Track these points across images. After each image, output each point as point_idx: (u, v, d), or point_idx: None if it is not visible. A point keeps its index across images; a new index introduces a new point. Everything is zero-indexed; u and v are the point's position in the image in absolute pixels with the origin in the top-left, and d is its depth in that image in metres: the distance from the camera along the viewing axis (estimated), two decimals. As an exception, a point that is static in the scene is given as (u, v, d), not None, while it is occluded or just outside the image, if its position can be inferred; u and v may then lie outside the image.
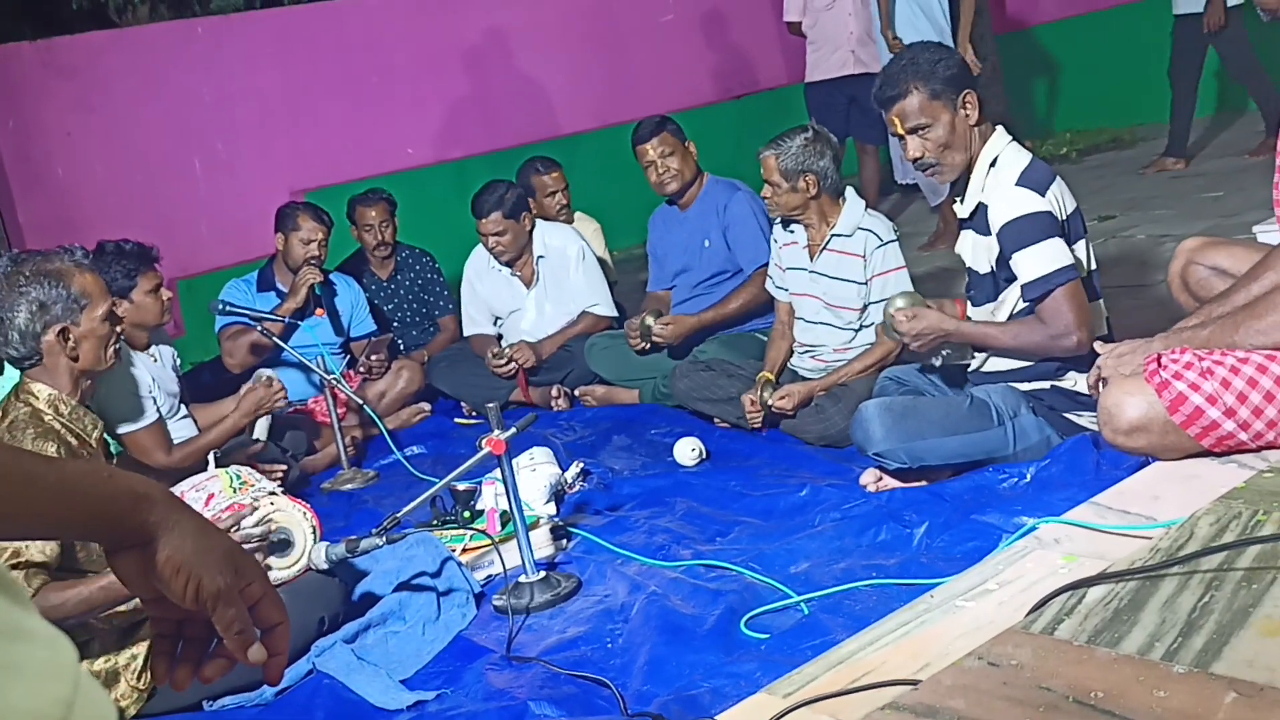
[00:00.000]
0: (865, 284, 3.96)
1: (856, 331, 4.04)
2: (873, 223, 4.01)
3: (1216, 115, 8.56)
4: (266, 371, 4.30)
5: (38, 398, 2.96)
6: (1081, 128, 9.46)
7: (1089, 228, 3.31)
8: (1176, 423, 2.46)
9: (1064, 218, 3.14)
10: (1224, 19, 7.02)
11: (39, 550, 2.63)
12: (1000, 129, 3.25)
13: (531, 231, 5.13)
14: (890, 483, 3.35)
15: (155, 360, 4.11)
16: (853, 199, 4.06)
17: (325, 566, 2.99)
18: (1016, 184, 3.12)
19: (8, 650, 0.54)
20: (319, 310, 4.99)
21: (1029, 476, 3.11)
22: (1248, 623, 1.47)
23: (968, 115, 3.17)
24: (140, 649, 2.79)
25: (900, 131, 3.22)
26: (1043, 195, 3.10)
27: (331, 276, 5.34)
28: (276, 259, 5.24)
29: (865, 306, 3.98)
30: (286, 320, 4.85)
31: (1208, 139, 7.99)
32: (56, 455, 2.75)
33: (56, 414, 2.94)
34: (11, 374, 3.26)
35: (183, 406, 4.23)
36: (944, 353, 3.37)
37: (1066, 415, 3.24)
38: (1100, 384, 2.74)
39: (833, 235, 4.01)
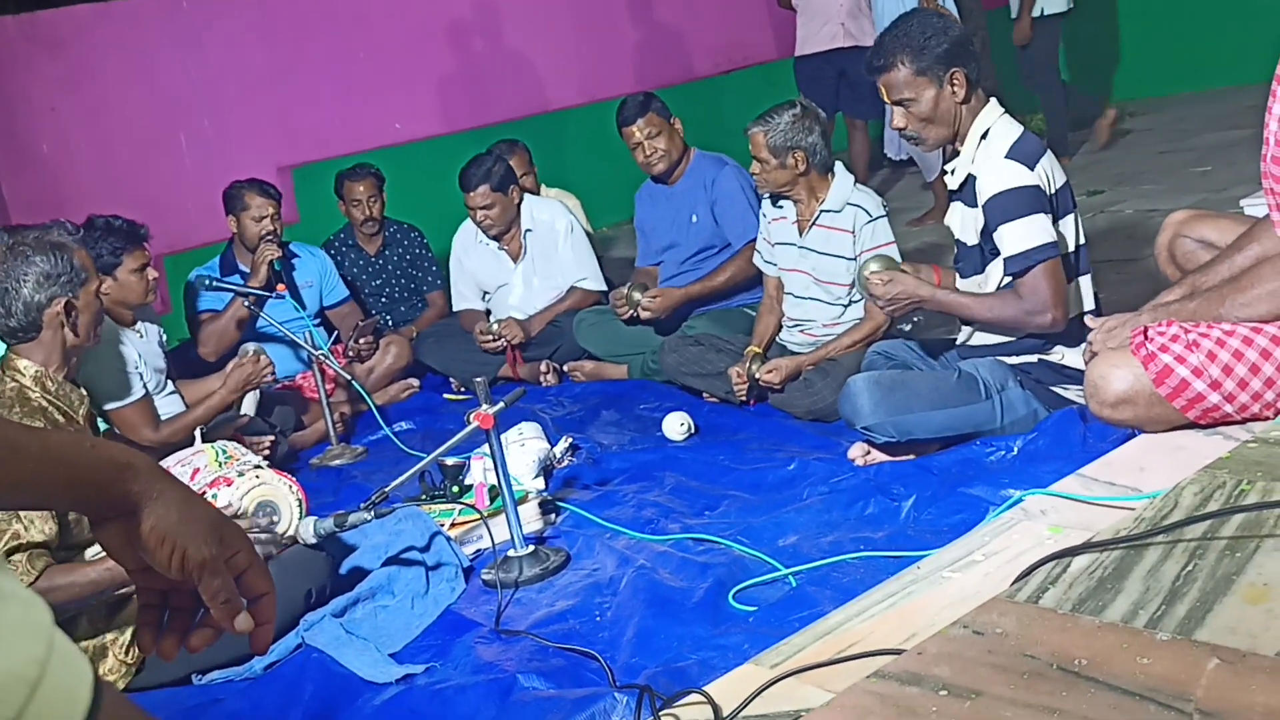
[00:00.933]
0: (854, 259, 3.96)
1: (846, 307, 4.04)
2: (862, 198, 4.01)
3: (1205, 91, 8.56)
4: (253, 346, 4.29)
5: (24, 374, 2.95)
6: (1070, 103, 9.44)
7: (1077, 202, 3.32)
8: (1162, 395, 2.47)
9: (1052, 192, 3.15)
10: (1030, 32, 7.21)
11: (39, 530, 2.63)
12: (993, 101, 3.25)
13: (519, 205, 5.12)
14: (878, 456, 3.36)
15: (141, 336, 4.10)
16: (842, 174, 4.05)
17: (313, 541, 2.99)
18: (1006, 156, 3.12)
19: None
20: (280, 286, 4.95)
21: (1016, 449, 3.13)
22: (1231, 590, 1.48)
23: (954, 93, 3.17)
24: (127, 625, 2.79)
25: (887, 100, 3.25)
26: (1032, 169, 3.10)
27: (293, 248, 5.32)
28: (235, 241, 5.21)
29: (854, 282, 3.98)
30: (272, 294, 4.83)
31: (1196, 114, 7.99)
32: None
33: (44, 391, 2.93)
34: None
35: (169, 383, 4.21)
36: (915, 319, 3.39)
37: (1053, 389, 3.25)
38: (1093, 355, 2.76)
39: (822, 211, 4.01)
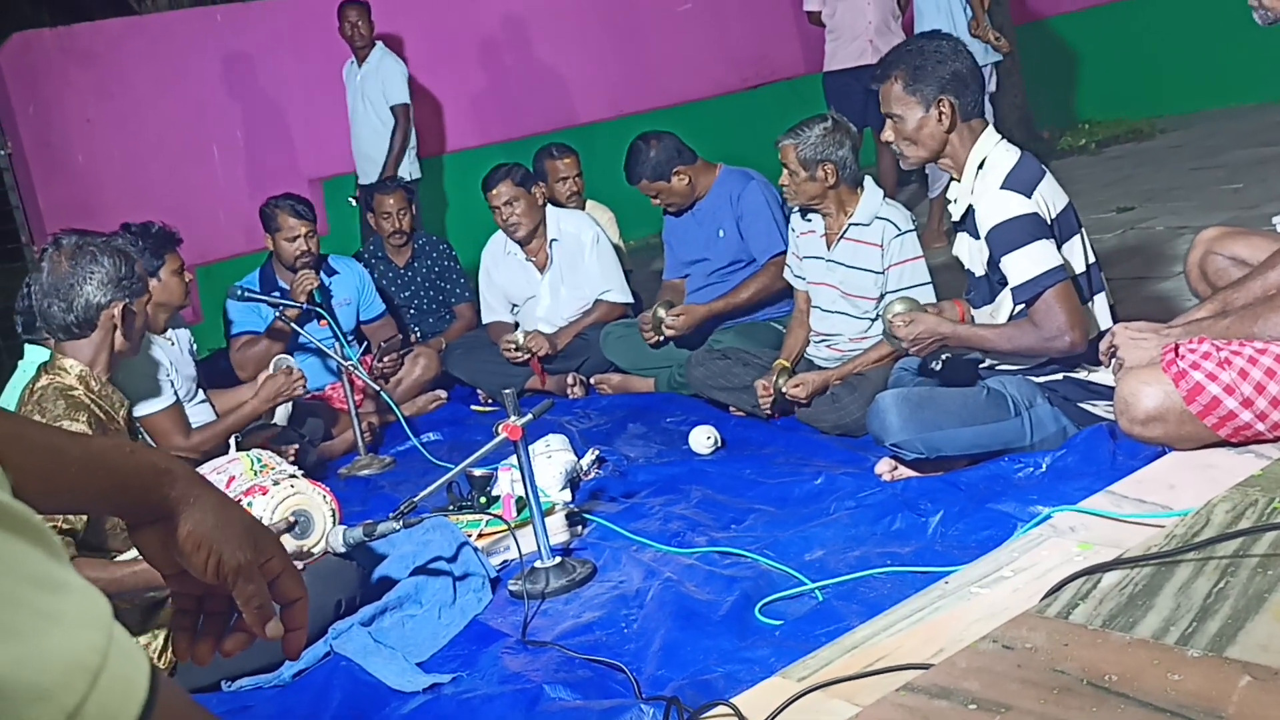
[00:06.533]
0: (883, 273, 3.96)
1: (873, 321, 4.03)
2: (891, 212, 4.00)
3: (1235, 107, 8.52)
4: (287, 359, 4.31)
5: (68, 373, 3.00)
6: (1100, 119, 9.43)
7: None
8: (1193, 412, 2.46)
9: (1053, 217, 3.14)
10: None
11: (64, 517, 2.66)
12: (990, 129, 3.25)
13: (544, 207, 5.14)
14: (905, 472, 3.35)
15: (173, 344, 4.14)
16: (871, 188, 4.05)
17: (343, 550, 3.01)
18: (1002, 187, 3.12)
19: (47, 600, 0.55)
20: (322, 322, 4.91)
21: (1045, 466, 3.11)
22: (1263, 608, 1.47)
23: (940, 119, 3.18)
24: (160, 630, 2.81)
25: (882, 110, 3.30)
26: (1029, 196, 3.10)
27: (332, 261, 5.33)
28: (273, 257, 5.23)
29: (882, 296, 3.98)
30: (304, 306, 4.86)
31: (1226, 130, 7.95)
32: (87, 428, 2.79)
33: (87, 389, 2.97)
34: (32, 356, 3.29)
35: (200, 391, 4.25)
36: (944, 356, 3.38)
37: (1082, 405, 3.23)
38: (1113, 352, 2.75)
39: (850, 224, 4.01)
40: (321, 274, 5.21)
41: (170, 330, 4.19)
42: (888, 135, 3.29)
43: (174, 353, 4.10)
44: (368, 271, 5.59)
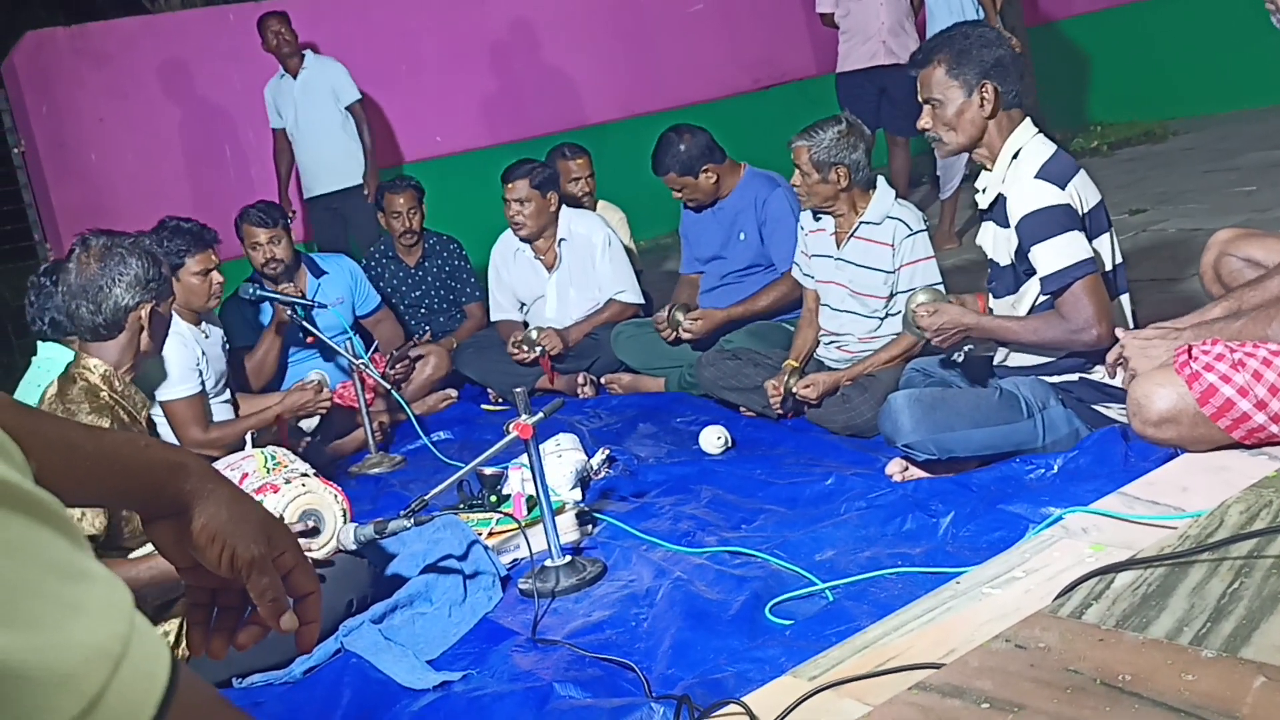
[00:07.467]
0: (893, 273, 3.95)
1: (882, 320, 4.03)
2: (902, 212, 4.00)
3: (1249, 110, 8.49)
4: (320, 375, 4.34)
5: (93, 373, 3.01)
6: (1113, 121, 9.41)
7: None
8: (1207, 415, 2.45)
9: (1085, 212, 3.13)
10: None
11: (89, 523, 2.67)
12: (1027, 121, 3.24)
13: (557, 213, 5.13)
14: (916, 473, 3.34)
15: (207, 337, 4.16)
16: (883, 188, 4.05)
17: (353, 548, 3.01)
18: (1036, 176, 3.11)
19: (70, 590, 0.56)
20: (309, 339, 4.90)
21: (1056, 467, 3.10)
22: (1277, 609, 1.47)
23: (982, 104, 3.17)
24: (172, 625, 2.82)
25: (920, 97, 3.27)
26: (1062, 188, 3.09)
27: (319, 261, 5.30)
28: None
29: (892, 295, 3.97)
30: (316, 303, 4.86)
31: (1240, 133, 7.92)
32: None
33: (111, 390, 2.99)
34: (47, 354, 3.29)
35: (227, 390, 4.26)
36: (966, 348, 3.37)
37: (1095, 407, 3.22)
38: (1121, 363, 2.74)
39: (861, 223, 4.00)
40: (309, 275, 5.19)
41: (203, 323, 4.21)
42: (925, 122, 3.27)
43: (208, 345, 4.13)
44: (377, 271, 5.59)
